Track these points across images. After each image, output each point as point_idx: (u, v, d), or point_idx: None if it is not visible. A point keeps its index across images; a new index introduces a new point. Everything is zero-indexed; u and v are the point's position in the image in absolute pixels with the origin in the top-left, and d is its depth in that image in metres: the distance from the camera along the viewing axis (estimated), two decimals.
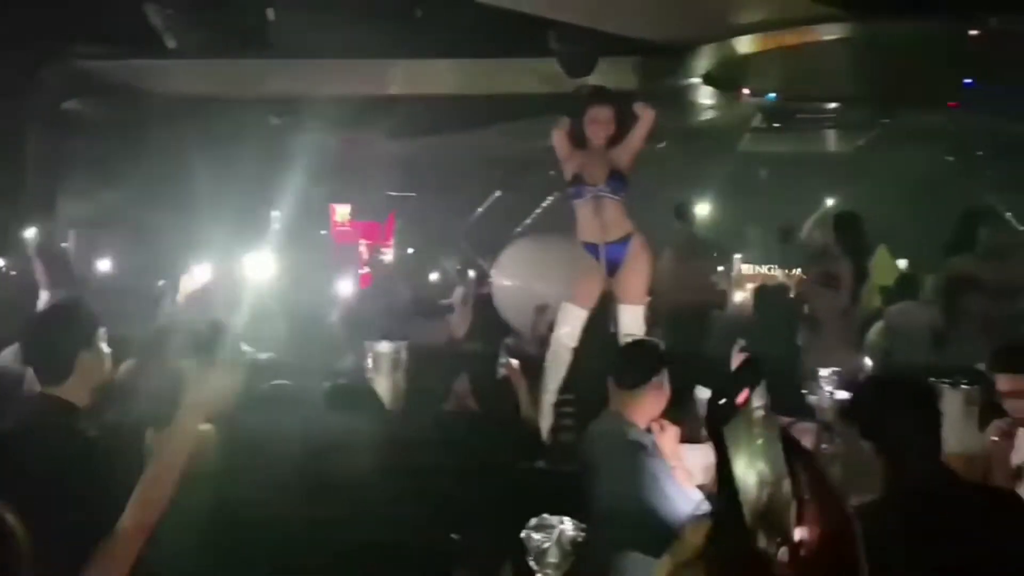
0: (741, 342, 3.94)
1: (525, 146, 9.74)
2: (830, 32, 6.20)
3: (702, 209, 7.26)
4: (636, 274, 4.79)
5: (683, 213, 7.22)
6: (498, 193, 13.10)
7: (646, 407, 3.50)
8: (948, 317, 7.05)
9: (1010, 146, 10.43)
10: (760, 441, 0.93)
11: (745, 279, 11.32)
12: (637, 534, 3.30)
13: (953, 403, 3.25)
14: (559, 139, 4.89)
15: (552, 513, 2.19)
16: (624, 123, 4.83)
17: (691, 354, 5.56)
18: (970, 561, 2.04)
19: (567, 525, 2.12)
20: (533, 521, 2.15)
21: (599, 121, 4.78)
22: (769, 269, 12.73)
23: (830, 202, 9.59)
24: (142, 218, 9.25)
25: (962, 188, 12.19)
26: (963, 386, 3.35)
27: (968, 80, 7.05)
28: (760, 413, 0.94)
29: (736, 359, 3.77)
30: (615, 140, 4.82)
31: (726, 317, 7.35)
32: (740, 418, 0.95)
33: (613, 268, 4.79)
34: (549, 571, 2.11)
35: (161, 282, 6.90)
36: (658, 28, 6.66)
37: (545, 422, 4.90)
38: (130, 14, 7.05)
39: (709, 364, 4.32)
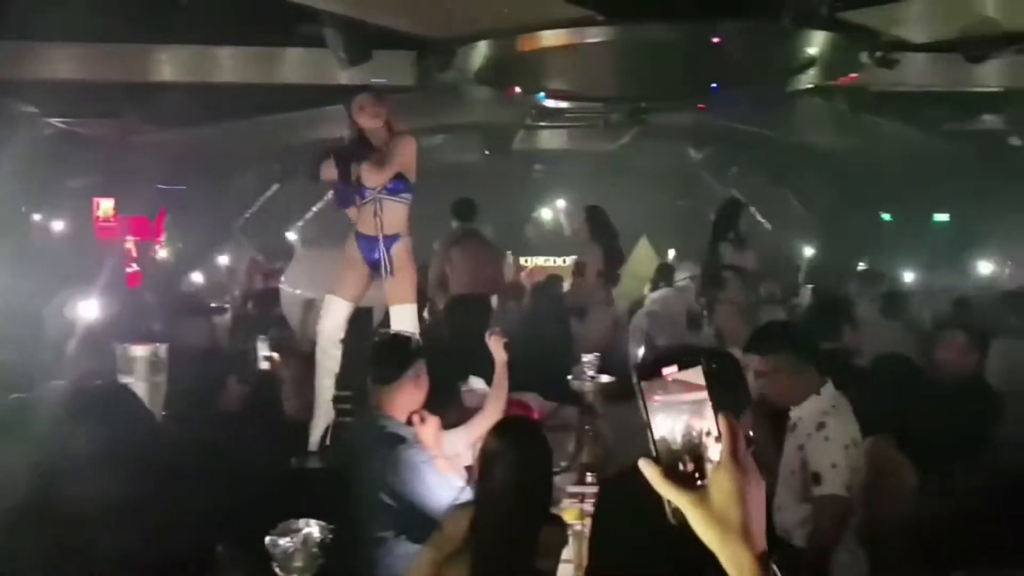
0: (495, 328, 4.25)
1: (303, 138, 9.49)
2: (593, 35, 6.47)
3: (477, 205, 7.39)
4: (401, 275, 4.84)
5: (459, 210, 7.32)
6: (276, 186, 12.68)
7: (404, 400, 3.53)
8: (709, 301, 7.61)
9: (747, 145, 11.43)
10: (682, 399, 1.09)
11: (521, 272, 11.73)
12: (401, 526, 3.34)
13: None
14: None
15: (319, 513, 2.16)
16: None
17: (467, 346, 5.66)
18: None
19: (313, 528, 2.10)
20: (279, 526, 2.11)
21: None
22: (544, 261, 13.31)
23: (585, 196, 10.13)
24: None
25: (708, 182, 13.37)
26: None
27: (714, 84, 7.60)
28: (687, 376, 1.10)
29: (492, 341, 4.04)
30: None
31: (504, 309, 7.53)
32: (663, 380, 1.09)
33: (388, 261, 4.81)
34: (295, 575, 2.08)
35: None
36: (426, 24, 6.68)
37: (322, 419, 4.85)
38: None
39: (485, 355, 4.41)
